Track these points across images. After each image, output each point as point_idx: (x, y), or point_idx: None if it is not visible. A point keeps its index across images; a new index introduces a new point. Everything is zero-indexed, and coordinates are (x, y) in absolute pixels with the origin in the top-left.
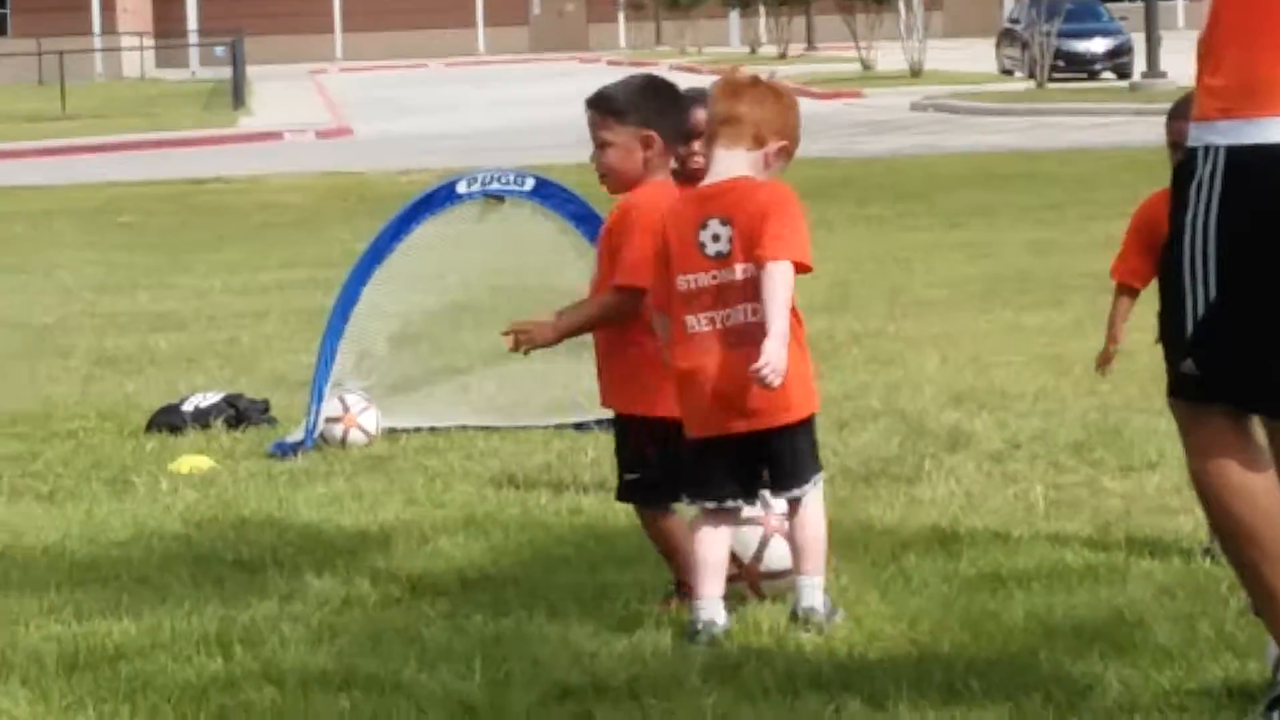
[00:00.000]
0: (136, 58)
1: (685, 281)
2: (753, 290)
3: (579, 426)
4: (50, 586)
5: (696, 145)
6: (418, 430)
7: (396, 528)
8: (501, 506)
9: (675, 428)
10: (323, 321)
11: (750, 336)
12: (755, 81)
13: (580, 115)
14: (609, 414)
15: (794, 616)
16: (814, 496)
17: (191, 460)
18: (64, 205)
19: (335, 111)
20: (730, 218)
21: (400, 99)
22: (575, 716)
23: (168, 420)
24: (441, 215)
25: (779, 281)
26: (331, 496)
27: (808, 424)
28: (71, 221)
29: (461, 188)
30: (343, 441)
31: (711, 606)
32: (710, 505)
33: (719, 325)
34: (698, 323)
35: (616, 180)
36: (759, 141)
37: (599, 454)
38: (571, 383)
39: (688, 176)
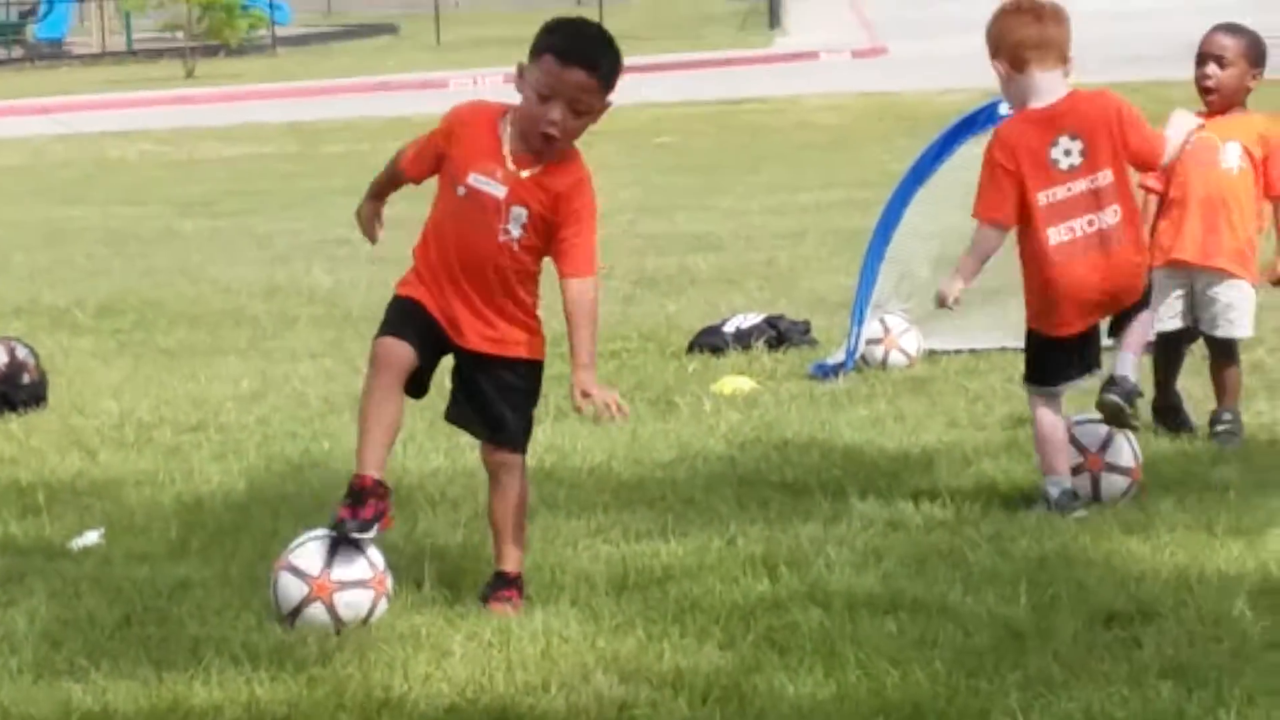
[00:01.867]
0: None
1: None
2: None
3: None
4: (597, 507)
5: (1210, 68)
6: (958, 352)
7: (939, 450)
8: None
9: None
10: (861, 243)
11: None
12: (1038, 4)
13: (1144, 32)
14: None
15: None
16: None
17: (734, 381)
18: (603, 126)
19: (870, 30)
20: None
21: (934, 18)
22: (1121, 642)
23: (709, 341)
24: (983, 136)
25: None
26: (873, 418)
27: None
28: (611, 143)
29: (1003, 108)
30: (884, 363)
31: (1069, 479)
32: (1056, 390)
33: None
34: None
35: (561, 148)
36: (1064, 60)
37: (1140, 376)
38: None
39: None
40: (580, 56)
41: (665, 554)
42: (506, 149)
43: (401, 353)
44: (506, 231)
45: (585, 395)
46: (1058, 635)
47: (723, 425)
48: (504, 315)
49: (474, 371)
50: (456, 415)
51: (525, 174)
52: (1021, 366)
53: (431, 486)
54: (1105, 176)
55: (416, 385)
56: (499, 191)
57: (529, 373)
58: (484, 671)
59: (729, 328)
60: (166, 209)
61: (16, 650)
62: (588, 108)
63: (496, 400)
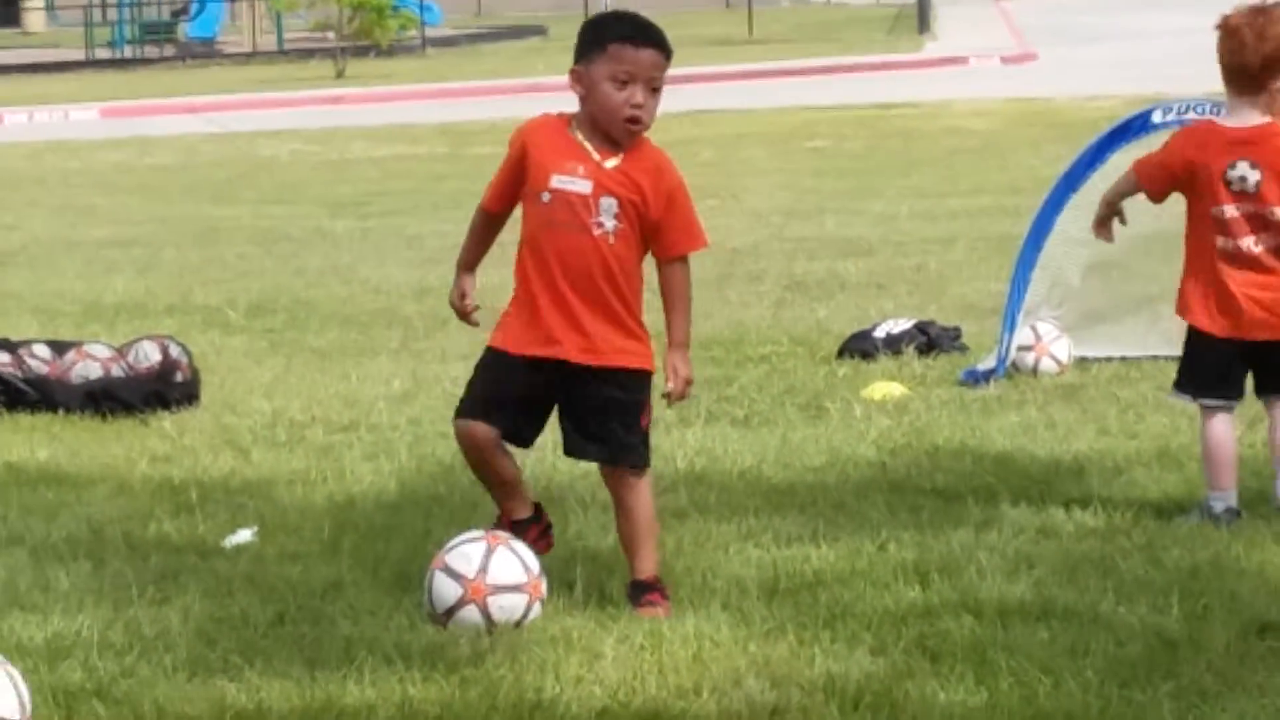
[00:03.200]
0: None
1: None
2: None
3: None
4: (748, 511)
5: None
6: (1109, 360)
7: (1090, 458)
8: (1195, 439)
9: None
10: (1011, 249)
11: None
12: (1239, 28)
13: None
14: None
15: None
16: None
17: (884, 387)
18: (753, 130)
19: (1019, 37)
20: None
21: (1085, 25)
22: (1275, 653)
23: (860, 346)
24: (1136, 143)
25: None
26: (1024, 425)
27: None
28: (761, 146)
29: (1157, 116)
30: (1034, 370)
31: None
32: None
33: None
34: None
35: (642, 131)
36: (1262, 89)
37: None
38: None
39: None
40: (649, 37)
41: (816, 559)
42: (588, 146)
43: (482, 435)
44: (600, 225)
45: (676, 371)
46: (1211, 646)
47: (873, 431)
48: (603, 317)
49: (575, 394)
50: (571, 447)
51: (610, 164)
52: (1172, 374)
53: (582, 488)
54: (1275, 214)
55: (526, 437)
56: (584, 187)
57: (631, 383)
58: (635, 674)
59: (879, 333)
60: (317, 209)
61: (171, 648)
62: (660, 85)
63: (604, 419)
